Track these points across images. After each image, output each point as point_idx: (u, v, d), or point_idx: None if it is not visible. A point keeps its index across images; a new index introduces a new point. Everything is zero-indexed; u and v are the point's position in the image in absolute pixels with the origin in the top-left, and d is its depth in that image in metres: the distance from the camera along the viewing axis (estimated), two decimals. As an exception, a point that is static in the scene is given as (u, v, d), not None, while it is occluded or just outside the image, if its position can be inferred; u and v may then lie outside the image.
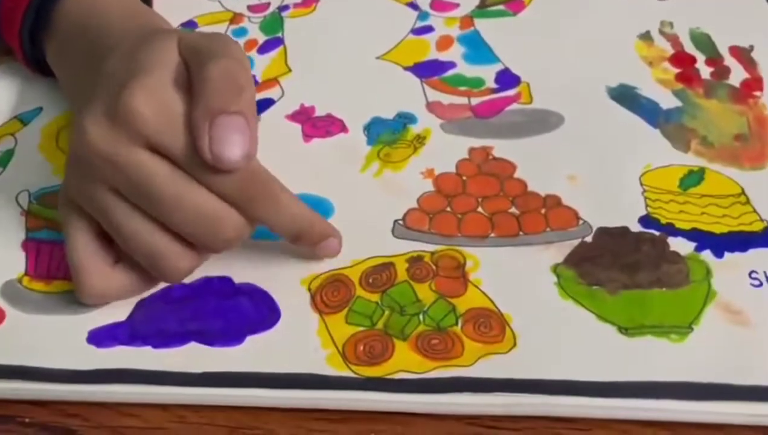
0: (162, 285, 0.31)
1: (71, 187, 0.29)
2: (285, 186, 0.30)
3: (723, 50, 0.41)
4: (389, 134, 0.37)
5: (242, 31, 0.41)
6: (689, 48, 0.41)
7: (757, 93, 0.39)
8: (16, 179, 0.35)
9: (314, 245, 0.31)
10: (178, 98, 0.28)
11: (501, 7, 0.43)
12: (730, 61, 0.41)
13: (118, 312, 0.30)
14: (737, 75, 0.40)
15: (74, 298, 0.30)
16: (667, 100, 0.39)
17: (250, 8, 0.42)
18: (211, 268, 0.31)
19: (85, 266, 0.29)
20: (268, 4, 0.42)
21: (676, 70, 0.40)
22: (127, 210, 0.28)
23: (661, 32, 0.42)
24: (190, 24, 0.41)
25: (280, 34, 0.41)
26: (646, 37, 0.42)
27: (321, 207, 0.34)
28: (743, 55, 0.41)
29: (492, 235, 0.33)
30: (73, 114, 0.34)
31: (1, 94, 0.38)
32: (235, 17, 0.42)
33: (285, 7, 0.42)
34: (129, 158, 0.27)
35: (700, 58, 0.41)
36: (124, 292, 0.30)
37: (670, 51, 0.41)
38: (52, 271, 0.31)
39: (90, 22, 0.34)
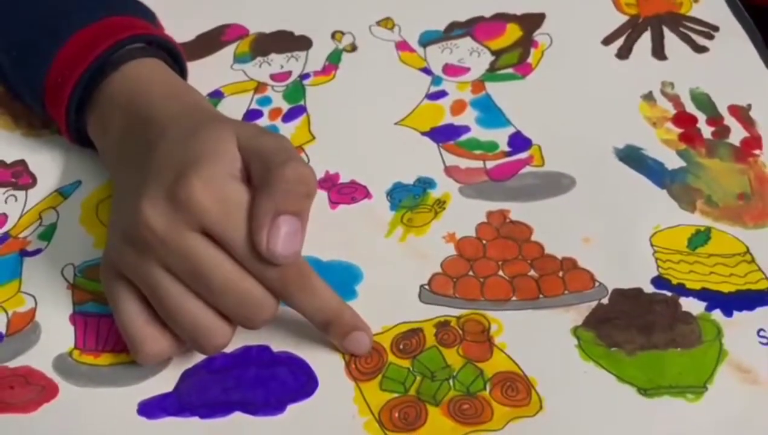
0: (204, 355, 0.33)
1: (121, 262, 0.31)
2: (318, 274, 0.32)
3: (722, 109, 0.43)
4: (411, 199, 0.39)
5: (267, 100, 0.43)
6: (690, 108, 0.43)
7: (757, 151, 0.41)
8: (60, 253, 0.36)
9: (343, 336, 0.32)
10: (236, 190, 0.30)
11: (510, 70, 0.45)
12: (729, 120, 0.43)
13: (165, 383, 0.32)
14: (737, 134, 0.42)
15: (123, 371, 0.32)
16: (671, 161, 0.41)
17: (273, 77, 0.44)
18: (250, 337, 0.33)
19: (140, 335, 0.31)
20: (290, 72, 0.44)
21: (679, 130, 0.42)
22: (176, 287, 0.30)
23: (663, 93, 0.44)
24: (216, 93, 0.43)
25: (302, 102, 0.43)
26: (649, 97, 0.44)
27: (350, 273, 0.36)
28: (742, 114, 0.43)
29: (513, 298, 0.35)
30: (114, 186, 0.36)
31: (41, 168, 0.39)
32: (259, 86, 0.44)
33: (306, 75, 0.44)
34: (186, 243, 0.29)
35: (701, 118, 0.43)
36: (176, 351, 0.32)
37: (672, 111, 0.43)
38: (100, 344, 0.33)
39: (134, 99, 0.36)
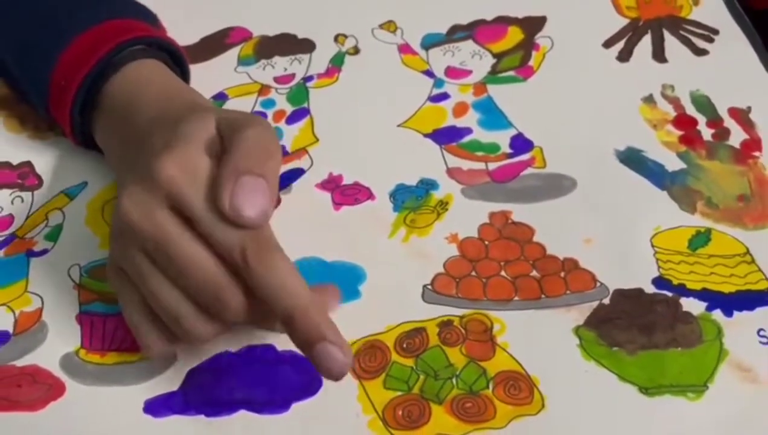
0: (209, 354, 0.33)
1: (115, 255, 0.31)
2: (288, 257, 0.29)
3: (722, 112, 0.44)
4: (413, 200, 0.39)
5: (270, 103, 0.44)
6: (690, 110, 0.44)
7: (757, 153, 0.42)
8: (66, 253, 0.37)
9: (308, 343, 0.28)
10: (207, 164, 0.30)
11: (511, 73, 0.46)
12: (729, 122, 0.43)
13: (171, 382, 0.32)
14: (737, 136, 0.43)
15: (129, 370, 0.32)
16: (672, 162, 0.41)
17: (277, 79, 0.45)
18: (255, 336, 0.34)
19: (144, 328, 0.31)
20: (293, 75, 0.45)
21: (679, 133, 0.43)
22: (155, 274, 0.30)
23: (663, 95, 0.45)
24: (221, 96, 0.44)
25: (306, 105, 0.44)
26: (649, 100, 0.44)
27: (354, 273, 0.36)
28: (742, 116, 0.44)
29: (516, 298, 0.36)
30: (117, 186, 0.37)
31: (47, 170, 0.40)
32: (263, 89, 0.44)
33: (309, 78, 0.45)
34: (155, 221, 0.29)
35: (701, 120, 0.43)
36: (179, 345, 0.32)
37: (672, 114, 0.44)
38: (106, 343, 0.33)
39: (132, 100, 0.36)
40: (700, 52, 0.47)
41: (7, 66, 0.39)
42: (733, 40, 0.48)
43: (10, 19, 0.39)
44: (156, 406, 0.31)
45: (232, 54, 0.46)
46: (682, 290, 0.36)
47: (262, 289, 0.29)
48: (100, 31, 0.38)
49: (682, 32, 0.48)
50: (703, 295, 0.35)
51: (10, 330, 0.34)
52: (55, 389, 0.32)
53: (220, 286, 0.29)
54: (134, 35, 0.38)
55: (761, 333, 0.34)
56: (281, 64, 0.46)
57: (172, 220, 0.29)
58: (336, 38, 0.47)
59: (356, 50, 0.46)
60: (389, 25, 0.48)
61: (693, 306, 0.35)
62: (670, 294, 0.35)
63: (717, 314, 0.35)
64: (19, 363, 0.33)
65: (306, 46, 0.47)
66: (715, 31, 0.48)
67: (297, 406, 0.32)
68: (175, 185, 0.29)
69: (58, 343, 0.34)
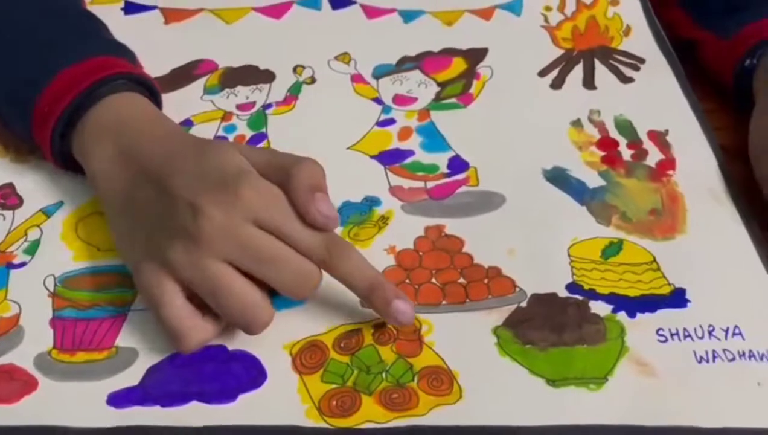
0: (167, 353, 0.37)
1: (172, 260, 0.35)
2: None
3: (642, 134, 0.48)
4: (357, 216, 0.44)
5: (232, 128, 0.48)
6: (613, 133, 0.48)
7: (671, 172, 0.46)
8: (42, 265, 0.40)
9: (387, 303, 0.37)
10: (271, 186, 0.37)
11: (453, 100, 0.50)
12: (648, 144, 0.48)
13: (132, 378, 0.36)
14: (654, 156, 0.47)
15: (95, 367, 0.36)
16: (593, 180, 0.45)
17: (239, 107, 0.49)
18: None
19: (185, 327, 0.35)
20: (254, 103, 0.49)
21: (602, 153, 0.47)
22: (229, 272, 0.35)
23: (590, 119, 0.49)
24: (187, 122, 0.48)
25: (264, 130, 0.48)
26: (577, 124, 0.49)
27: (300, 282, 0.40)
28: (659, 138, 0.48)
29: (444, 302, 0.40)
30: (113, 200, 0.40)
31: (27, 190, 0.44)
32: (226, 115, 0.49)
33: (269, 106, 0.49)
34: (245, 232, 0.35)
35: (623, 142, 0.48)
36: (214, 337, 0.37)
37: (597, 136, 0.48)
38: (75, 344, 0.37)
39: (120, 123, 0.41)
40: (627, 79, 0.52)
41: None
42: (657, 69, 0.52)
43: (3, 54, 0.44)
44: (118, 399, 0.35)
45: (199, 84, 0.50)
46: (592, 294, 0.40)
47: (345, 277, 0.37)
48: (85, 67, 0.42)
49: (611, 61, 0.53)
50: (610, 298, 0.40)
51: (-9, 333, 0.38)
52: (29, 385, 0.36)
53: (308, 273, 0.36)
54: (118, 71, 0.43)
55: (660, 332, 0.38)
56: (243, 93, 0.50)
57: (261, 232, 0.36)
58: (295, 69, 0.51)
59: (312, 80, 0.51)
60: (344, 57, 0.53)
61: (600, 308, 0.39)
62: (581, 298, 0.40)
63: (621, 315, 0.39)
64: (-2, 362, 0.37)
65: (266, 76, 0.51)
66: (642, 60, 0.53)
67: (243, 397, 0.36)
68: (258, 207, 0.36)
69: (33, 344, 0.37)
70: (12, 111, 0.44)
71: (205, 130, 0.48)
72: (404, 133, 0.48)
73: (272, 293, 0.37)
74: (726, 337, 0.38)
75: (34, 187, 0.44)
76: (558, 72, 0.52)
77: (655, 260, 0.41)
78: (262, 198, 0.36)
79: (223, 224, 0.35)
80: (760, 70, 0.48)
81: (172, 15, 0.55)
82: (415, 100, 0.50)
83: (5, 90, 0.44)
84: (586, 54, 0.53)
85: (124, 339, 0.38)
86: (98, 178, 0.40)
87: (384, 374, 0.37)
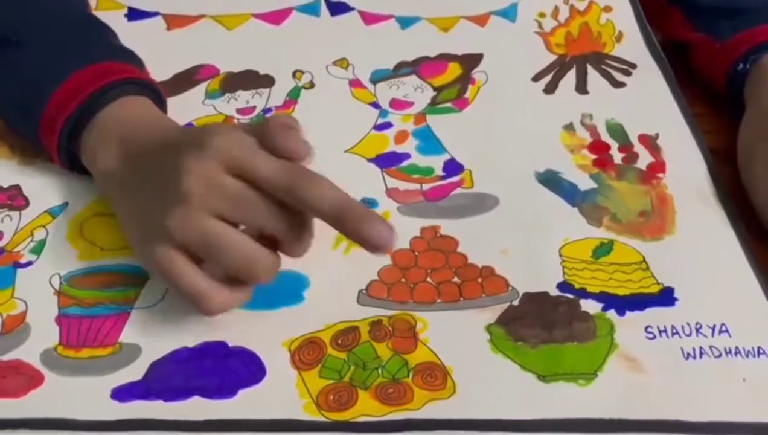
0: (169, 349, 0.38)
1: (172, 228, 0.36)
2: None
3: (633, 138, 0.49)
4: (355, 217, 0.45)
5: (232, 132, 0.49)
6: (605, 137, 0.49)
7: (660, 175, 0.47)
8: (48, 265, 0.42)
9: (360, 222, 0.35)
10: (245, 135, 0.37)
11: (449, 104, 0.51)
12: (638, 147, 0.49)
13: (135, 373, 0.37)
14: (644, 159, 0.48)
15: (99, 363, 0.37)
16: (584, 183, 0.47)
17: (239, 111, 0.50)
18: (210, 334, 0.39)
19: (202, 289, 0.36)
20: (255, 107, 0.50)
21: (593, 157, 0.48)
22: (223, 226, 0.36)
23: (582, 123, 0.50)
24: (189, 126, 0.49)
25: (263, 133, 0.49)
26: (569, 127, 0.50)
27: (299, 280, 0.41)
28: (650, 142, 0.49)
29: (438, 301, 0.41)
30: (119, 193, 0.41)
31: (34, 192, 0.45)
32: (227, 119, 0.50)
33: (268, 110, 0.50)
34: (222, 181, 0.36)
35: (614, 146, 0.49)
36: (234, 300, 0.37)
37: (588, 139, 0.49)
38: (80, 341, 0.38)
39: (130, 121, 0.43)
40: (618, 84, 0.53)
41: (3, 100, 0.45)
42: (648, 74, 0.53)
43: (15, 55, 0.45)
44: (122, 393, 0.36)
45: (200, 89, 0.52)
46: (583, 293, 0.41)
47: (312, 198, 0.35)
48: (94, 71, 0.43)
49: (603, 66, 0.54)
50: (600, 297, 0.41)
51: (-2, 330, 0.39)
52: (36, 379, 0.37)
53: (281, 217, 0.36)
54: (126, 75, 0.44)
55: (648, 330, 0.39)
56: (244, 97, 0.51)
57: (236, 180, 0.36)
58: (294, 74, 0.53)
59: (311, 84, 0.52)
60: (342, 62, 0.54)
61: (591, 306, 0.40)
62: (571, 296, 0.41)
63: (611, 313, 0.40)
64: (5, 358, 0.38)
65: (267, 81, 0.52)
66: (633, 66, 0.54)
67: (243, 393, 0.37)
68: (227, 146, 0.36)
69: (39, 340, 0.38)
70: (19, 113, 0.45)
71: (206, 134, 0.49)
72: (401, 137, 0.49)
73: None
74: (713, 335, 0.39)
75: (40, 188, 0.45)
76: (551, 77, 0.53)
77: (644, 260, 0.42)
78: (229, 140, 0.37)
79: (202, 175, 0.36)
80: (751, 76, 0.50)
81: (174, 21, 0.56)
82: (411, 104, 0.51)
83: (13, 93, 0.45)
84: (579, 59, 0.55)
85: (128, 336, 0.39)
86: (105, 178, 0.42)
87: (380, 370, 0.38)
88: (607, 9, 0.58)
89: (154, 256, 0.37)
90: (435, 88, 0.52)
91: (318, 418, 0.36)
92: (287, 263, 0.41)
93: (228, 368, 0.37)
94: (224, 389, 0.37)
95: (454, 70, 0.53)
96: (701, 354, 0.38)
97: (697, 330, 0.39)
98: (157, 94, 0.46)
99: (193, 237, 0.36)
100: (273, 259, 0.37)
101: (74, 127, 0.43)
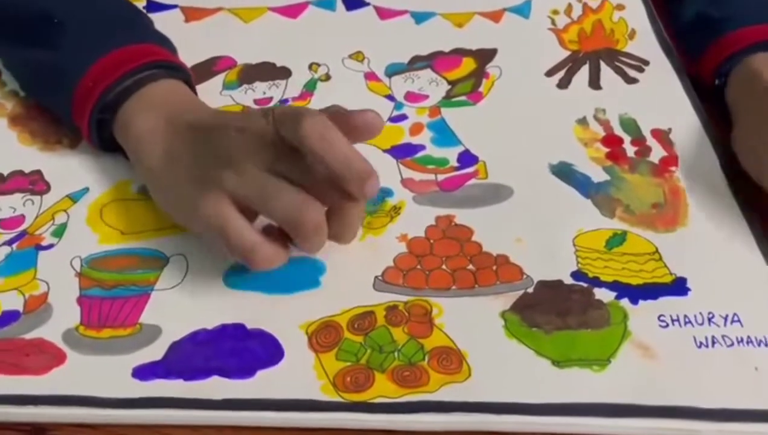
0: (189, 330, 0.39)
1: (225, 184, 0.38)
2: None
3: (646, 132, 0.50)
4: (370, 206, 0.45)
5: (249, 121, 0.50)
6: (618, 131, 0.50)
7: (673, 168, 0.48)
8: (69, 247, 0.42)
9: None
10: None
11: (463, 97, 0.52)
12: (651, 141, 0.49)
13: (156, 353, 0.38)
14: (657, 153, 0.49)
15: (120, 343, 0.38)
16: (597, 175, 0.47)
17: (256, 102, 0.51)
18: (228, 317, 0.39)
19: (251, 242, 0.38)
20: (271, 98, 0.51)
21: (607, 150, 0.49)
22: (272, 179, 0.38)
23: (595, 117, 0.51)
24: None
25: (280, 123, 0.50)
26: (582, 121, 0.50)
27: (316, 266, 0.42)
28: (663, 136, 0.50)
29: (454, 287, 0.41)
30: (155, 161, 0.42)
31: (54, 177, 0.46)
32: (244, 110, 0.50)
33: (285, 101, 0.51)
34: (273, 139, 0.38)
35: (627, 139, 0.49)
36: (279, 257, 0.39)
37: (602, 133, 0.50)
38: (101, 321, 0.39)
39: (163, 102, 0.44)
40: (631, 80, 0.53)
41: (40, 69, 0.46)
42: (660, 70, 0.54)
43: (57, 28, 0.46)
44: (143, 372, 0.37)
45: (218, 80, 0.52)
46: (596, 282, 0.41)
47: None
48: (133, 50, 0.45)
49: (616, 63, 0.55)
50: (613, 286, 0.41)
51: (21, 310, 0.40)
52: (58, 358, 0.38)
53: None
54: (163, 58, 0.45)
55: (661, 318, 0.40)
56: (261, 88, 0.52)
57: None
58: (310, 66, 0.53)
59: (327, 77, 0.53)
60: (358, 56, 0.54)
61: (604, 295, 0.41)
62: (585, 285, 0.41)
63: (624, 302, 0.40)
64: (28, 336, 0.38)
65: (283, 73, 0.53)
66: (646, 62, 0.54)
67: (261, 373, 0.37)
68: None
69: (61, 320, 0.39)
70: (56, 83, 0.45)
71: (224, 123, 0.50)
72: (416, 129, 0.50)
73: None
74: (725, 324, 0.40)
75: (61, 173, 0.46)
76: (565, 72, 0.54)
77: (657, 251, 0.43)
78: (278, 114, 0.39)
79: (257, 134, 0.38)
80: (729, 88, 0.50)
81: (192, 14, 0.57)
82: (426, 97, 0.52)
83: (53, 62, 0.45)
84: (592, 55, 0.55)
85: (148, 317, 0.39)
86: (142, 141, 0.42)
87: (396, 353, 0.38)
88: (620, 7, 0.58)
89: (204, 212, 0.38)
90: (449, 82, 0.53)
91: (335, 398, 0.36)
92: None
93: (246, 349, 0.38)
94: (243, 370, 0.37)
95: (468, 64, 0.54)
96: (713, 343, 0.39)
97: (710, 319, 0.40)
98: (189, 83, 0.47)
99: (250, 189, 0.38)
100: (321, 213, 0.38)
101: (111, 101, 0.44)
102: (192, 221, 0.41)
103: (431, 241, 0.43)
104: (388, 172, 0.47)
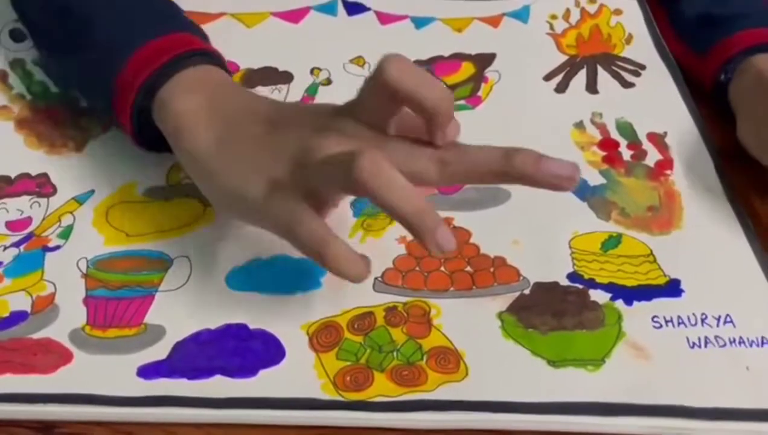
0: (192, 331, 0.40)
1: (301, 178, 0.37)
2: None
3: (642, 136, 0.51)
4: (371, 208, 0.46)
5: (252, 125, 0.51)
6: (614, 134, 0.51)
7: (668, 172, 0.48)
8: (76, 249, 0.43)
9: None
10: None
11: (462, 102, 0.53)
12: (647, 145, 0.50)
13: (160, 352, 0.39)
14: (652, 157, 0.49)
15: (125, 342, 0.39)
16: (594, 178, 0.48)
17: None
18: (231, 317, 0.40)
19: (331, 239, 0.37)
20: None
21: (603, 153, 0.50)
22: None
23: (592, 121, 0.52)
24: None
25: (282, 127, 0.51)
26: (579, 125, 0.51)
27: (315, 268, 0.43)
28: (658, 140, 0.50)
29: (451, 289, 0.42)
30: (183, 152, 0.41)
31: (61, 180, 0.47)
32: (246, 113, 0.51)
33: (290, 103, 0.52)
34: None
35: (623, 143, 0.50)
36: (351, 256, 0.37)
37: (598, 137, 0.51)
38: (107, 321, 0.40)
39: (206, 85, 0.43)
40: (628, 84, 0.54)
41: (79, 63, 0.46)
42: (657, 75, 0.55)
43: (96, 21, 0.45)
44: (147, 371, 0.38)
45: (221, 84, 0.53)
46: (592, 283, 0.42)
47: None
48: (172, 39, 0.44)
49: (613, 67, 0.56)
50: (609, 287, 0.42)
51: (29, 310, 0.40)
52: (65, 357, 0.38)
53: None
54: (202, 46, 0.45)
55: (655, 319, 0.41)
56: (263, 92, 0.53)
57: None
58: (311, 71, 0.54)
59: (328, 81, 0.54)
60: (358, 60, 0.55)
61: (599, 296, 0.41)
62: (581, 286, 0.42)
63: (619, 303, 0.41)
64: (36, 336, 0.39)
65: (285, 77, 0.54)
66: (643, 67, 0.55)
67: (263, 372, 0.38)
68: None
69: (68, 321, 0.40)
70: (95, 77, 0.45)
71: (227, 127, 0.50)
72: (416, 132, 0.51)
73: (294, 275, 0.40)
74: (718, 325, 0.40)
75: (67, 176, 0.47)
76: (562, 77, 0.55)
77: (651, 253, 0.44)
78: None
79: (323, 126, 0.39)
80: (734, 84, 0.50)
81: (195, 18, 0.56)
82: (426, 101, 0.53)
83: (93, 55, 0.45)
84: (589, 60, 0.56)
85: (152, 317, 0.40)
86: (182, 118, 0.41)
87: (395, 353, 0.39)
88: (617, 12, 0.59)
89: (271, 208, 0.37)
90: (449, 86, 0.53)
91: (335, 397, 0.37)
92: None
93: (249, 349, 0.39)
94: (245, 369, 0.38)
95: (467, 69, 0.55)
96: (706, 343, 0.40)
97: (703, 320, 0.41)
98: (226, 69, 0.46)
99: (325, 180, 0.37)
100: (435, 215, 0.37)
101: (152, 87, 0.42)
102: (247, 212, 0.39)
103: (430, 243, 0.44)
104: (388, 175, 0.48)
